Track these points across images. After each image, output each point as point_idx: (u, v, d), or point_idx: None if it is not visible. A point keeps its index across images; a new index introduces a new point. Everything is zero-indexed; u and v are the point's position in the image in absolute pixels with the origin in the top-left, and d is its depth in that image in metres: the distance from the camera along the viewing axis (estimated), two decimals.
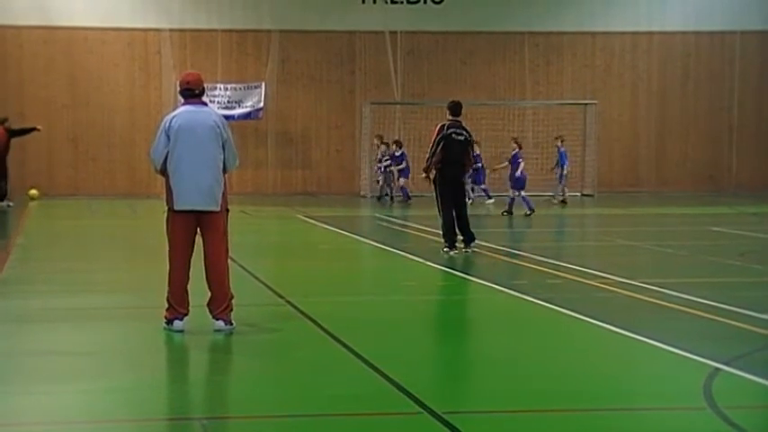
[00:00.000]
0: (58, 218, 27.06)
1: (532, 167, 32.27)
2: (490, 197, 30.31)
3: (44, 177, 33.31)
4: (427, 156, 17.79)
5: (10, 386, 8.68)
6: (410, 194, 31.52)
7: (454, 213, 17.54)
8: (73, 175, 34.27)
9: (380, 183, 32.21)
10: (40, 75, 34.14)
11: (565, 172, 30.74)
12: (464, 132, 17.69)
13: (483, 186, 30.74)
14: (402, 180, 31.86)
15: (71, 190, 33.61)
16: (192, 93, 10.81)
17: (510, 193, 26.57)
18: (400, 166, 31.81)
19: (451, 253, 17.30)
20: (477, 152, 27.37)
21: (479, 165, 28.99)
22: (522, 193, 26.23)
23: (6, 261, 16.76)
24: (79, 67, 34.34)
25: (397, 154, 31.73)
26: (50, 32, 34.05)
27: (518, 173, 26.42)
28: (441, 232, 17.78)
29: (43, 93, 34.08)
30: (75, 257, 17.97)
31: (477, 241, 17.76)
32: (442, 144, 17.42)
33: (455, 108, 17.91)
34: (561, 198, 30.65)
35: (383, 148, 32.20)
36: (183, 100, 10.90)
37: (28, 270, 16.10)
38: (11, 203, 28.57)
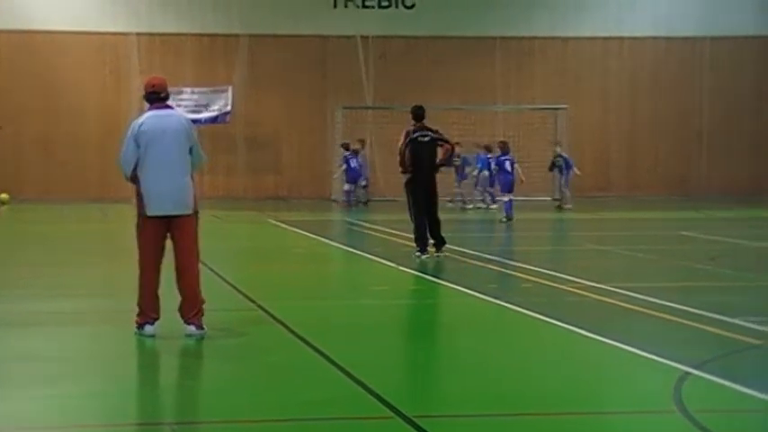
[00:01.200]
0: (29, 222, 26.96)
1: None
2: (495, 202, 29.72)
3: (13, 181, 33.12)
4: (399, 161, 17.85)
5: None
6: (351, 200, 31.61)
7: (426, 218, 17.58)
8: (43, 179, 34.13)
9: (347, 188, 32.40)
10: (10, 78, 33.98)
11: (570, 176, 30.60)
12: (428, 133, 17.74)
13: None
14: (347, 185, 31.97)
15: (42, 194, 33.45)
16: (158, 96, 10.75)
17: (504, 197, 26.40)
18: (343, 167, 32.13)
19: (423, 257, 17.33)
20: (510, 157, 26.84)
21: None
22: (510, 197, 26.21)
23: None
24: (49, 71, 34.22)
25: (346, 155, 31.94)
26: (20, 36, 33.92)
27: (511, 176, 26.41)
28: (412, 237, 17.81)
29: (13, 96, 33.92)
30: (45, 263, 17.89)
31: (447, 245, 17.80)
32: (408, 148, 17.51)
33: (417, 111, 17.99)
34: (564, 203, 30.49)
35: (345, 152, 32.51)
36: (148, 104, 10.83)
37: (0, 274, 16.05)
38: None
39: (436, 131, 17.97)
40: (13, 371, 9.40)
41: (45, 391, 8.68)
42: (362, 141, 33.06)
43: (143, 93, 10.95)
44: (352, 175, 32.10)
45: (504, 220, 25.56)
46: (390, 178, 32.91)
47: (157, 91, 10.78)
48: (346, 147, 32.54)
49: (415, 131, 17.69)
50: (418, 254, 17.44)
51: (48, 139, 34.31)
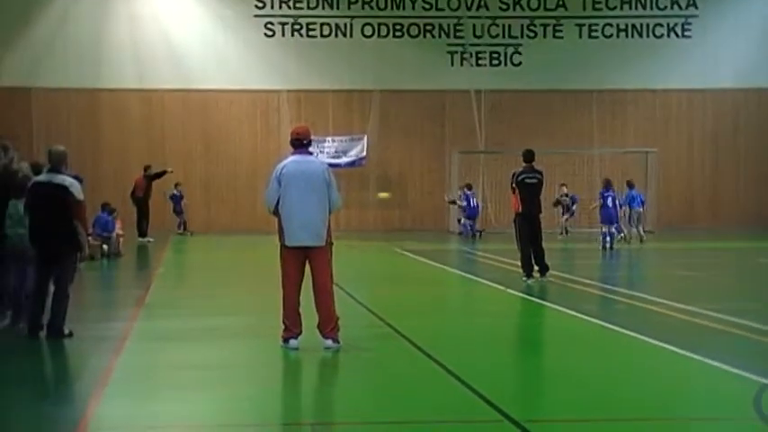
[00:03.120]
0: (192, 251, 27.46)
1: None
2: (620, 232, 28.24)
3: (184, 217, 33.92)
4: (512, 202, 17.90)
5: (154, 394, 8.80)
6: (473, 231, 31.37)
7: (531, 247, 17.44)
8: (205, 214, 34.79)
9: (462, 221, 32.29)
10: (179, 130, 34.81)
11: (635, 214, 28.49)
12: (537, 176, 17.60)
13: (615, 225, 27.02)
14: (464, 220, 31.83)
15: (204, 227, 34.10)
16: (301, 143, 10.80)
17: (605, 228, 26.00)
18: (462, 205, 32.04)
19: (529, 281, 17.16)
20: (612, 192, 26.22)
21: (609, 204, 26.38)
22: (611, 228, 25.86)
23: (150, 288, 17.03)
24: (211, 123, 34.96)
25: (466, 194, 31.78)
26: (187, 94, 34.73)
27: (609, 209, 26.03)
28: (519, 263, 17.67)
29: (181, 145, 34.73)
30: (206, 285, 18.18)
31: (551, 271, 17.60)
32: (515, 188, 17.46)
33: (527, 155, 17.91)
34: (624, 236, 28.19)
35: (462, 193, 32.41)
36: (292, 149, 10.88)
37: (168, 296, 16.32)
38: (151, 239, 29.06)
39: (541, 173, 17.84)
40: (179, 377, 9.53)
41: (205, 394, 8.79)
42: (469, 185, 32.83)
43: (290, 139, 10.99)
44: (471, 212, 31.97)
45: (605, 247, 25.19)
46: (500, 212, 32.80)
47: (301, 138, 10.83)
48: (469, 186, 32.39)
49: (521, 173, 17.58)
50: (525, 278, 17.27)
51: (209, 181, 34.99)
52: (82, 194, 11.60)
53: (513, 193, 17.64)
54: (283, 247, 10.64)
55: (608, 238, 25.77)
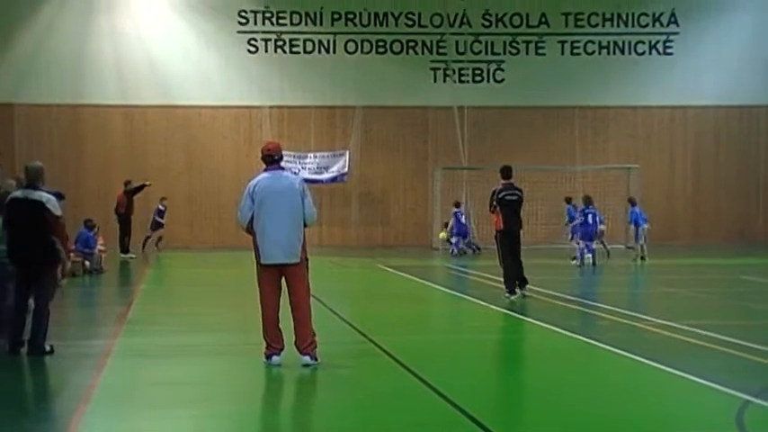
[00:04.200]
0: (175, 267, 27.36)
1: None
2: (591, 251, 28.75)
3: (166, 232, 33.76)
4: (494, 221, 17.83)
5: (135, 411, 8.74)
6: (459, 249, 31.22)
7: (512, 263, 17.45)
8: (188, 230, 34.70)
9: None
10: (162, 146, 34.75)
11: (641, 231, 27.99)
12: (517, 192, 17.60)
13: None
14: (454, 237, 31.62)
15: (186, 243, 34.01)
16: (273, 159, 10.74)
17: (582, 244, 25.98)
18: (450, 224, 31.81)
19: (512, 297, 17.16)
20: (592, 209, 26.05)
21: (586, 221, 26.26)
22: (590, 244, 25.84)
23: (132, 304, 16.96)
24: (194, 139, 34.93)
25: (455, 212, 31.65)
26: (170, 110, 34.70)
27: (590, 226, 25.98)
28: (501, 279, 17.67)
29: (164, 161, 34.66)
30: (188, 302, 18.11)
31: (533, 287, 17.59)
32: (495, 206, 17.43)
33: (506, 171, 17.88)
34: (639, 254, 27.72)
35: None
36: (264, 166, 10.79)
37: (150, 312, 16.24)
38: (133, 256, 28.98)
39: (522, 192, 17.83)
40: (157, 394, 9.48)
41: (184, 411, 8.74)
42: (458, 203, 32.70)
43: (260, 155, 10.90)
44: (461, 229, 31.77)
45: (579, 264, 25.23)
46: (482, 229, 32.82)
47: (272, 154, 10.76)
48: (457, 204, 32.23)
49: (501, 191, 17.55)
50: (507, 295, 17.28)
51: (191, 197, 34.92)
52: (59, 210, 11.54)
53: (494, 211, 17.58)
54: (259, 264, 10.59)
55: (588, 255, 25.80)
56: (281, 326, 10.64)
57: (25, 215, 11.32)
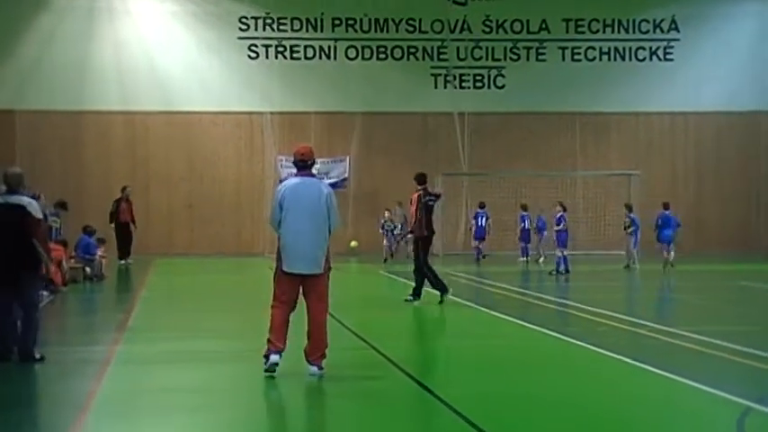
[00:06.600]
0: (176, 273, 27.33)
1: (583, 229, 32.08)
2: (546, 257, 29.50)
3: (166, 237, 33.83)
4: (414, 220, 17.70)
5: (136, 419, 8.72)
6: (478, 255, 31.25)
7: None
8: (189, 236, 34.70)
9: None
10: (162, 152, 34.76)
11: (638, 238, 28.02)
12: (433, 198, 17.82)
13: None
14: (475, 241, 31.73)
15: (187, 249, 34.01)
16: (305, 164, 10.58)
17: (558, 252, 25.91)
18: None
19: (448, 296, 17.28)
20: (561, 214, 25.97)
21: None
22: (564, 252, 25.70)
23: (133, 311, 16.95)
24: (194, 145, 34.93)
25: (477, 212, 31.72)
26: (171, 117, 34.72)
27: (562, 232, 25.86)
28: (435, 287, 17.74)
29: (165, 167, 34.67)
30: (190, 308, 18.09)
31: (535, 293, 17.56)
32: (423, 212, 17.48)
33: (420, 178, 17.85)
34: (632, 262, 27.71)
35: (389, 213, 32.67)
36: (296, 170, 10.70)
37: (151, 318, 16.23)
38: (130, 262, 29.00)
39: (437, 196, 18.09)
40: (158, 401, 9.47)
41: (186, 419, 8.72)
42: (482, 204, 32.32)
43: (293, 159, 10.79)
44: (479, 232, 31.68)
45: (554, 272, 25.05)
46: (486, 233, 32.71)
47: (305, 159, 10.59)
48: (481, 205, 31.81)
49: (424, 196, 17.58)
50: (410, 299, 17.51)
51: (192, 203, 34.91)
52: (40, 213, 11.58)
53: (418, 214, 17.48)
54: (280, 269, 10.49)
55: (564, 263, 25.45)
56: (287, 329, 10.42)
57: (5, 220, 11.28)
